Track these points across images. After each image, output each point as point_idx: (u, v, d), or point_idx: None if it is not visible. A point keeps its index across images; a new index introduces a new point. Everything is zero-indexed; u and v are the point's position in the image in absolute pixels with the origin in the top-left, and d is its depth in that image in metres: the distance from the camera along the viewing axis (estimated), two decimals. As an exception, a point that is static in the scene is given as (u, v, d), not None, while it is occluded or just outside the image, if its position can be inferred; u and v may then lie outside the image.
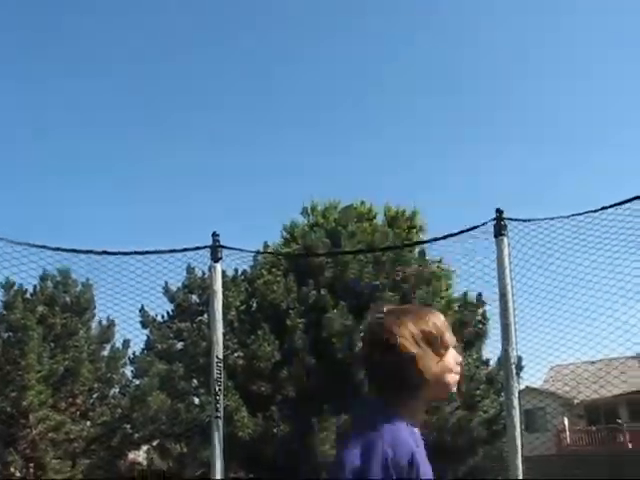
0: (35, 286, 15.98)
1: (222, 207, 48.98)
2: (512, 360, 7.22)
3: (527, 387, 25.22)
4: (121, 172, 49.61)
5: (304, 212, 21.54)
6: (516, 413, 6.98)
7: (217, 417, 6.77)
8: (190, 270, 17.31)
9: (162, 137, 50.87)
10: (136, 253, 7.19)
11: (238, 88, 53.03)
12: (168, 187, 50.61)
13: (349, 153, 50.17)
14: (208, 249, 7.20)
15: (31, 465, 14.75)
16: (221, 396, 6.80)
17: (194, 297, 17.90)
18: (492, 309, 12.52)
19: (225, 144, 52.14)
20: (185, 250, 7.18)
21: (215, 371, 6.90)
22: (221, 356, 6.93)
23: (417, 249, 15.41)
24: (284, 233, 19.83)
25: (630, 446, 28.45)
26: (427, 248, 15.04)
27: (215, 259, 7.19)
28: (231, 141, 51.82)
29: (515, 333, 7.35)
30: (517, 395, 7.19)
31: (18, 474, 14.62)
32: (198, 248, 7.17)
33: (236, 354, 14.70)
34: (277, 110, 53.61)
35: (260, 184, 50.29)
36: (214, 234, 7.23)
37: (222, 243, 7.30)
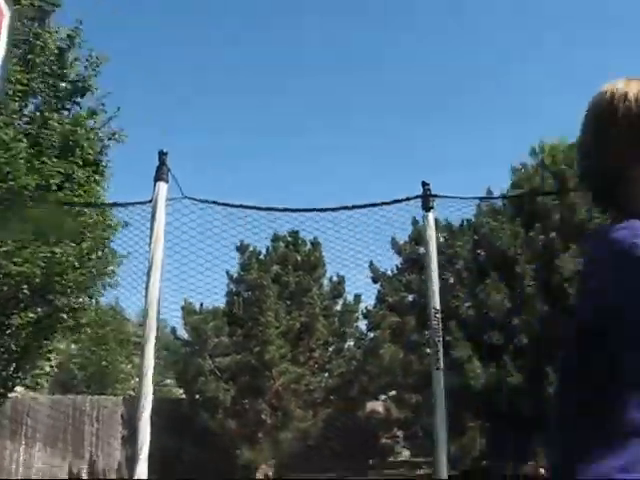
0: (268, 247, 16.79)
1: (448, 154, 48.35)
2: None
3: None
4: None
5: (532, 153, 20.67)
6: None
7: (437, 368, 6.70)
8: (415, 222, 17.23)
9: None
10: (347, 208, 7.26)
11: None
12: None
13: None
14: (419, 199, 7.10)
15: (278, 413, 15.61)
16: (440, 347, 6.72)
17: (421, 249, 17.84)
18: None
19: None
20: (396, 202, 7.12)
21: (433, 322, 6.81)
22: (438, 307, 6.83)
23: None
24: (512, 177, 19.18)
25: None
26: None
27: (426, 209, 7.06)
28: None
29: None
30: None
31: (269, 421, 15.54)
32: (408, 199, 7.09)
33: (466, 304, 14.54)
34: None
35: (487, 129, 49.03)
36: (424, 183, 7.10)
37: (435, 192, 7.17)
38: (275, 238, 16.55)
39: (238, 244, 15.77)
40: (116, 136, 12.67)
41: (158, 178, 6.01)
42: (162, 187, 6.05)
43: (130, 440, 16.03)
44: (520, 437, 14.07)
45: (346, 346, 17.11)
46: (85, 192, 11.36)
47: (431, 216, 7.10)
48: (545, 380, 12.46)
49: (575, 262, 13.14)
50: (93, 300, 13.01)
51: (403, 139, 50.60)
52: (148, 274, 6.01)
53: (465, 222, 15.72)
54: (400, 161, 48.68)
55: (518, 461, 14.71)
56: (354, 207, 7.20)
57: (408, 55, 50.65)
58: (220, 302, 16.13)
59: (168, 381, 22.00)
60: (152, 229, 5.97)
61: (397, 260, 18.06)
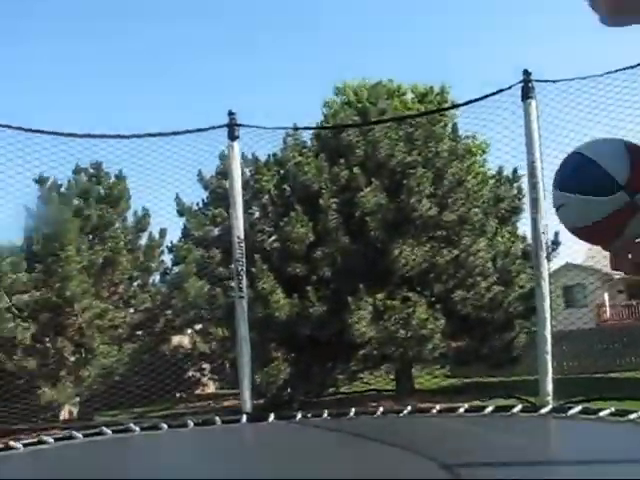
0: (69, 180, 16.10)
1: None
2: (541, 229, 7.03)
3: (568, 263, 25.29)
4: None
5: (336, 91, 21.24)
6: (545, 285, 6.86)
7: (241, 297, 6.79)
8: (222, 156, 17.17)
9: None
10: (151, 135, 7.08)
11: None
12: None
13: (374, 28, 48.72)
14: (225, 128, 7.06)
15: (82, 350, 15.23)
16: (244, 276, 6.80)
17: (228, 183, 17.86)
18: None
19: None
20: (200, 130, 7.04)
21: (237, 251, 6.87)
22: (242, 236, 6.89)
23: (450, 125, 15.08)
24: (324, 112, 19.64)
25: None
26: (459, 123, 14.78)
27: (232, 138, 7.05)
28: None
29: (545, 201, 7.12)
30: (546, 267, 7.04)
31: (72, 358, 15.14)
32: (213, 127, 7.02)
33: (272, 238, 14.78)
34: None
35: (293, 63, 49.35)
36: (230, 112, 7.05)
37: (241, 122, 7.15)
38: (77, 170, 15.90)
39: (37, 177, 15.04)
40: None
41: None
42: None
43: None
44: (322, 366, 14.67)
45: (151, 281, 16.90)
46: None
47: (236, 145, 7.10)
48: (346, 310, 12.99)
49: (375, 197, 13.68)
50: None
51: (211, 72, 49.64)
52: None
53: (271, 157, 15.89)
54: (209, 96, 47.89)
55: (320, 389, 15.35)
56: (159, 134, 7.04)
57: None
58: (17, 237, 15.34)
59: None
60: None
61: (204, 194, 18.01)
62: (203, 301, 15.26)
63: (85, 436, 6.95)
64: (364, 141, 14.35)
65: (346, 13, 49.74)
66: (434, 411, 6.11)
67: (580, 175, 1.60)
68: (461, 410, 5.92)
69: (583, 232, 1.61)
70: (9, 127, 6.25)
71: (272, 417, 6.58)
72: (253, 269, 12.77)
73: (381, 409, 6.58)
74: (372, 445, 5.09)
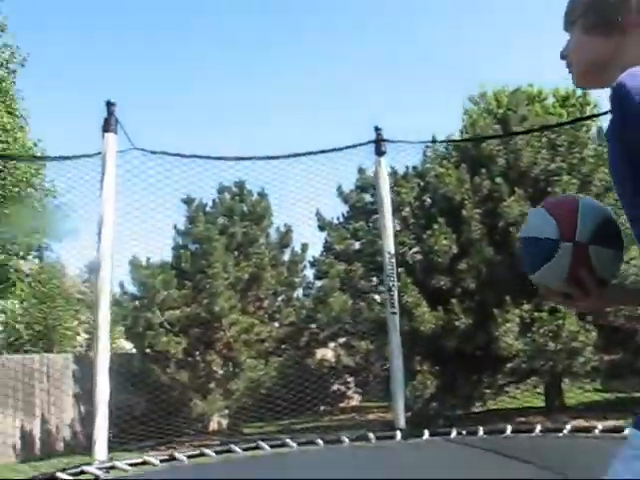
0: (214, 199, 16.66)
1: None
2: None
3: None
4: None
5: (472, 100, 20.93)
6: None
7: (393, 313, 6.77)
8: (361, 170, 17.26)
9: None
10: (298, 155, 7.20)
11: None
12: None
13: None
14: (372, 144, 7.10)
15: (229, 364, 15.70)
16: (395, 291, 6.78)
17: (367, 197, 17.92)
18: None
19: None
20: (347, 147, 7.10)
21: (387, 267, 6.87)
22: (392, 251, 6.89)
23: (594, 128, 14.55)
24: (464, 121, 19.44)
25: None
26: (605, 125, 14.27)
27: (379, 153, 7.08)
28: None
29: None
30: None
31: (220, 371, 15.62)
32: (361, 144, 7.08)
33: (413, 250, 14.73)
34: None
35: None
36: (377, 128, 7.09)
37: (385, 137, 7.17)
38: (221, 189, 16.45)
39: (185, 197, 15.71)
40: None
41: (107, 129, 5.86)
42: (111, 139, 5.90)
43: (84, 397, 15.98)
44: (468, 379, 14.44)
45: (295, 295, 17.17)
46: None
47: (383, 161, 7.12)
48: (492, 322, 12.75)
49: (519, 206, 13.38)
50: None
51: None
52: (100, 228, 5.90)
53: (411, 169, 15.85)
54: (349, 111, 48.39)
55: (466, 403, 15.12)
56: (307, 154, 7.15)
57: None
58: (167, 256, 16.01)
59: (117, 333, 21.77)
60: (102, 183, 5.84)
61: (343, 208, 18.16)
62: (347, 315, 15.38)
63: (244, 450, 7.13)
64: (505, 150, 14.09)
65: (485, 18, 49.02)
66: (596, 431, 5.84)
67: (527, 255, 1.74)
68: (627, 431, 5.59)
69: (569, 294, 1.71)
70: (165, 154, 6.54)
71: (427, 434, 6.50)
72: (397, 282, 12.76)
73: (539, 427, 6.37)
74: (544, 471, 4.94)
